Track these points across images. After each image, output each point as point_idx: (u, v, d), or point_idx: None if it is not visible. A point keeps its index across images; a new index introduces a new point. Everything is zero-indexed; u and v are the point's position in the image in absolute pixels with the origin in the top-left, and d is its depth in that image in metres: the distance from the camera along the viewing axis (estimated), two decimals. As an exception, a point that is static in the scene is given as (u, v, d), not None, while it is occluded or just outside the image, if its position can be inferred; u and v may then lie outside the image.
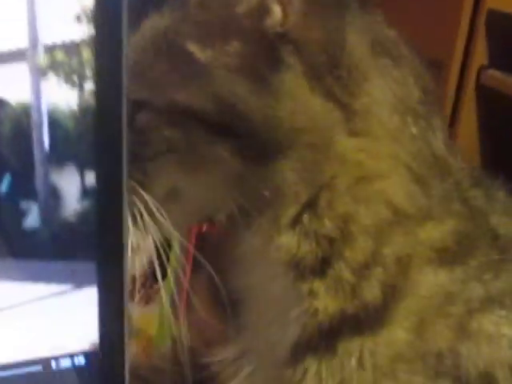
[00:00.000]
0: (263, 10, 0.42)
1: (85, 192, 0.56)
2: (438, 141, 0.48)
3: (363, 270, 0.45)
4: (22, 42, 0.53)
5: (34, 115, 0.54)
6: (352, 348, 0.45)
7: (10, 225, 0.54)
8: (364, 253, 0.45)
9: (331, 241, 0.45)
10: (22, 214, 0.54)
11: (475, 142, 1.05)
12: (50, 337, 0.58)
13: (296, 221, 0.45)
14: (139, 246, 0.52)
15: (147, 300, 0.69)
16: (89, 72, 0.55)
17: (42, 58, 0.54)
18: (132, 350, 0.72)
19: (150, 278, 0.66)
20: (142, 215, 0.46)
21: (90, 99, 0.55)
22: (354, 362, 0.45)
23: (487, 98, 1.02)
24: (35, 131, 0.53)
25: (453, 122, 1.01)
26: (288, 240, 0.45)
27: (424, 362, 0.45)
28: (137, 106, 0.44)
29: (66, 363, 0.59)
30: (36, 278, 0.56)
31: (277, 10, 0.42)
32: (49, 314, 0.57)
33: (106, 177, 0.56)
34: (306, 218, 0.45)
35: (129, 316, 0.59)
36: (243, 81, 0.42)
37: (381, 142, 0.45)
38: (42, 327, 0.57)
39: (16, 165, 0.54)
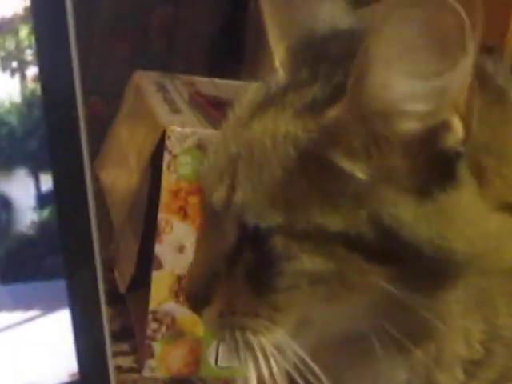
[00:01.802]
0: (441, 128, 0.36)
1: (42, 198, 0.47)
2: None
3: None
4: None
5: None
6: None
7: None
8: None
9: None
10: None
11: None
12: (22, 371, 0.49)
13: (463, 361, 0.41)
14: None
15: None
16: (30, 55, 0.46)
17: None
18: (177, 352, 0.74)
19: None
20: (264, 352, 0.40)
21: (36, 87, 0.46)
22: None
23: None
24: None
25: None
26: (449, 380, 0.41)
27: None
28: (269, 229, 0.38)
29: (43, 399, 0.50)
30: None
31: (458, 127, 0.36)
32: (20, 345, 0.49)
33: (66, 176, 0.48)
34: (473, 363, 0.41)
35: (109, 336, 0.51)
36: (406, 202, 0.37)
37: None
38: (14, 361, 0.49)
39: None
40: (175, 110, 0.76)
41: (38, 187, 0.47)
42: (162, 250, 0.71)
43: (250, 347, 0.40)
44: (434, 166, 0.37)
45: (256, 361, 0.40)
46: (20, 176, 0.47)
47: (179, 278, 0.71)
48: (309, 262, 0.38)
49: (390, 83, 0.35)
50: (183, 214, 0.71)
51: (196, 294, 0.41)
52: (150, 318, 0.73)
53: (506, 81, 0.40)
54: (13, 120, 0.46)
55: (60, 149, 0.47)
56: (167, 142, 0.69)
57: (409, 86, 0.35)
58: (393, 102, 0.36)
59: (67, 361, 0.50)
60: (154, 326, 0.74)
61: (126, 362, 0.75)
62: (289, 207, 0.38)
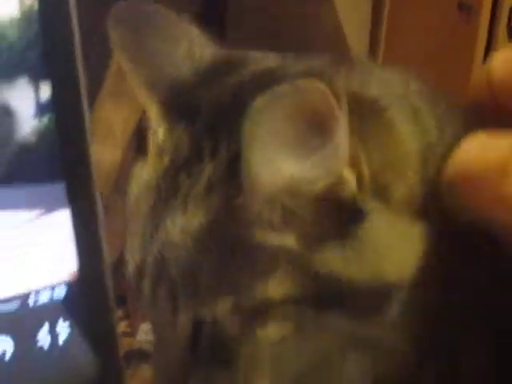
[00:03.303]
0: (335, 185, 0.36)
1: (41, 107, 0.52)
2: None
3: None
4: None
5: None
6: None
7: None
8: None
9: None
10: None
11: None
12: (25, 270, 0.53)
13: None
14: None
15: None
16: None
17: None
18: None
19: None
20: None
21: (33, 3, 0.51)
22: None
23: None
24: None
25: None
26: None
27: None
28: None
29: (45, 296, 0.55)
30: (2, 205, 0.51)
31: (349, 176, 0.36)
32: (22, 245, 0.53)
33: (62, 85, 0.52)
34: None
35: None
36: (332, 250, 0.37)
37: None
38: (17, 261, 0.53)
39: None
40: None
41: (37, 97, 0.52)
42: None
43: None
44: (341, 211, 0.37)
45: None
46: (21, 87, 0.51)
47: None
48: (265, 332, 0.38)
49: (275, 167, 0.35)
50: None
51: None
52: None
53: (378, 86, 0.40)
54: (12, 34, 0.50)
55: (57, 60, 0.51)
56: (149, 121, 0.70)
57: (294, 166, 0.34)
58: (282, 182, 0.35)
59: (68, 260, 0.55)
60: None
61: (120, 327, 0.76)
62: (229, 291, 0.38)
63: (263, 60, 0.43)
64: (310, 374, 0.40)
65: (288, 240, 0.37)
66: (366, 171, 0.37)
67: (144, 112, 0.72)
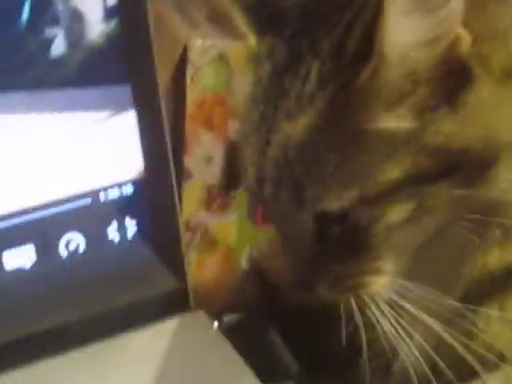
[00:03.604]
0: (454, 42, 0.40)
1: (108, 12, 0.54)
2: None
3: None
4: None
5: None
6: None
7: (38, 55, 0.53)
8: None
9: None
10: (49, 42, 0.53)
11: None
12: (96, 168, 0.57)
13: None
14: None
15: (224, 208, 0.69)
16: None
17: None
18: (212, 261, 0.73)
19: (224, 187, 0.66)
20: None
21: None
22: None
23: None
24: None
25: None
26: None
27: None
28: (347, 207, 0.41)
29: (114, 194, 0.58)
30: (73, 106, 0.54)
31: (465, 34, 0.40)
32: (92, 145, 0.56)
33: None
34: None
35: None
36: (444, 117, 0.40)
37: None
38: (87, 159, 0.56)
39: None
40: (195, 26, 0.74)
41: (104, 2, 0.54)
42: (191, 161, 0.70)
43: (366, 305, 0.44)
44: (453, 74, 0.40)
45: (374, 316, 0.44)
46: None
47: (209, 188, 0.71)
48: (392, 214, 0.41)
49: (405, 25, 0.37)
50: (209, 125, 0.71)
51: (303, 279, 0.44)
52: (183, 228, 0.70)
53: None
54: None
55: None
56: (189, 55, 0.68)
57: (420, 20, 0.37)
58: (412, 41, 0.38)
59: (134, 159, 0.58)
60: (187, 235, 0.72)
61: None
62: (354, 182, 0.41)
63: None
64: (426, 246, 0.44)
65: (404, 119, 0.40)
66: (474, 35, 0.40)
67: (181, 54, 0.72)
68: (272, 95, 0.42)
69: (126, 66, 0.55)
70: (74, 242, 0.58)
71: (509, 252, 0.46)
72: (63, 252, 0.58)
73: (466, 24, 0.39)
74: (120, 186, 0.58)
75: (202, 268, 0.74)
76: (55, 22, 0.53)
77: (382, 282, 0.44)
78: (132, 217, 0.59)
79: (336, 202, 0.41)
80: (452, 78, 0.40)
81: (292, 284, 0.46)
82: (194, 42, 0.69)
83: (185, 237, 0.69)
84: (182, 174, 0.71)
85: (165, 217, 0.59)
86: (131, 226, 0.59)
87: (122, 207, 0.58)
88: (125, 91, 0.56)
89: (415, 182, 0.40)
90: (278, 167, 0.42)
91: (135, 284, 0.60)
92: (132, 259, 0.60)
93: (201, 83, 0.69)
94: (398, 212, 0.41)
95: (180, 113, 0.71)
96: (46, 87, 0.53)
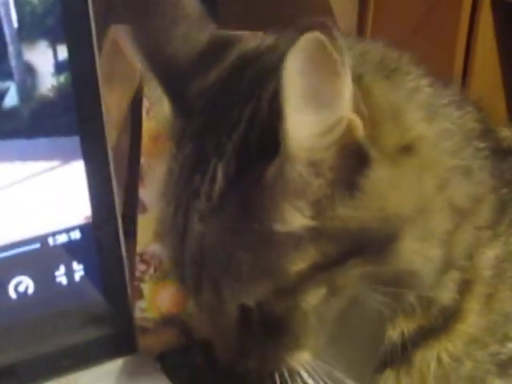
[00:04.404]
0: (349, 129, 0.40)
1: (59, 66, 0.57)
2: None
3: (440, 279, 0.46)
4: None
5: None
6: (430, 355, 0.47)
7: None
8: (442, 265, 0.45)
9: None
10: (1, 94, 0.56)
11: (493, 62, 0.99)
12: (44, 215, 0.59)
13: None
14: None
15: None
16: None
17: None
18: (165, 292, 0.75)
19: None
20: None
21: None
22: (433, 365, 0.47)
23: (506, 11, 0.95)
24: (2, 8, 0.54)
25: (469, 39, 0.96)
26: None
27: (495, 329, 0.47)
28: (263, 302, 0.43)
29: (62, 239, 0.61)
30: (24, 156, 0.57)
31: (357, 121, 0.40)
32: (41, 192, 0.58)
33: (78, 47, 0.58)
34: None
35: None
36: (342, 200, 0.41)
37: None
38: (36, 206, 0.59)
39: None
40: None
41: (55, 57, 0.57)
42: (146, 194, 0.73)
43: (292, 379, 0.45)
44: (352, 159, 0.40)
45: None
46: (41, 47, 0.56)
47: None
48: (305, 301, 0.42)
49: (303, 120, 0.38)
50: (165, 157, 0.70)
51: (230, 356, 0.46)
52: (138, 260, 0.75)
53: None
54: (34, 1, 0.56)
55: (73, 24, 0.57)
56: (146, 89, 0.69)
57: (315, 114, 0.38)
58: (313, 135, 0.39)
59: (82, 206, 0.61)
60: (141, 267, 0.75)
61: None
62: (266, 277, 0.42)
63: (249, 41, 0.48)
64: (342, 323, 0.45)
65: (304, 211, 0.41)
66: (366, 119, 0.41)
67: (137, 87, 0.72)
68: (184, 193, 0.44)
69: (76, 117, 0.58)
70: (23, 284, 0.60)
71: (410, 324, 0.47)
72: (12, 294, 0.60)
73: (356, 109, 0.40)
74: (68, 231, 0.60)
75: (155, 299, 0.75)
76: (8, 75, 0.56)
77: (304, 359, 0.46)
78: (79, 261, 0.61)
79: (252, 296, 0.43)
80: (350, 164, 0.40)
81: (220, 358, 0.47)
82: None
83: (139, 268, 0.74)
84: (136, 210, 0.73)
85: (111, 261, 0.62)
86: (79, 269, 0.61)
87: (70, 251, 0.60)
88: (74, 142, 0.58)
89: (324, 268, 0.42)
90: (196, 266, 0.44)
91: (82, 325, 0.62)
92: (79, 302, 0.62)
93: (156, 116, 0.66)
94: (311, 298, 0.43)
95: (135, 146, 0.74)
96: (-3, 137, 0.56)
